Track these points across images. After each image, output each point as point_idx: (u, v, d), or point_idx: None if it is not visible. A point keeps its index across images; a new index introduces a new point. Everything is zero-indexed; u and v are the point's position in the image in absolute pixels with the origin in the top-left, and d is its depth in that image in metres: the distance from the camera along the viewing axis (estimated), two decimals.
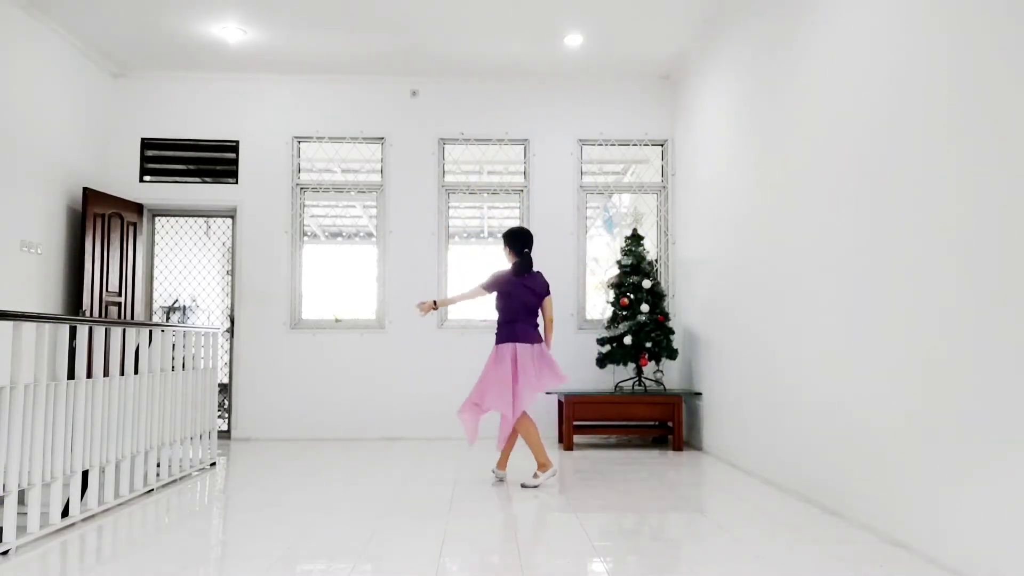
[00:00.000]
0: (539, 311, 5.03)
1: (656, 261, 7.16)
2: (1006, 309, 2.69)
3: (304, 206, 7.28)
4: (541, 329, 5.06)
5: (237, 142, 7.16)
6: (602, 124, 7.24)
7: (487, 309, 7.28)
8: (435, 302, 5.14)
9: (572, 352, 7.00)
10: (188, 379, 5.11)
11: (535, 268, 5.12)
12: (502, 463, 4.96)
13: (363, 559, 3.13)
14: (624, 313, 6.52)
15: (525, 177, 7.27)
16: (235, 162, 7.15)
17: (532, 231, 7.05)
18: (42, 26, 5.91)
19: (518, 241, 5.08)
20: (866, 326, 3.63)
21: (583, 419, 6.39)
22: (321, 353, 7.04)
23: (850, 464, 3.76)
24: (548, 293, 5.07)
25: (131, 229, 6.88)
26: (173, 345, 4.92)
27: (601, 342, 6.65)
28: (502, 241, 5.18)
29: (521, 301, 4.91)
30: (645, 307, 6.43)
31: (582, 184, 7.27)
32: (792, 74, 4.54)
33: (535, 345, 4.86)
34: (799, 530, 3.62)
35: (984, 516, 2.79)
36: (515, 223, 7.57)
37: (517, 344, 4.81)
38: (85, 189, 6.34)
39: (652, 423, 6.51)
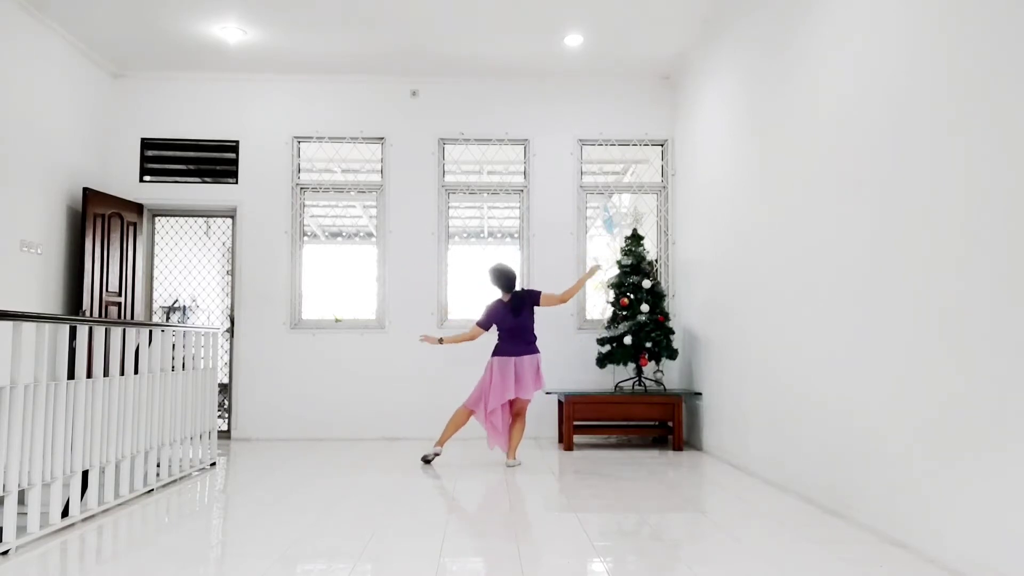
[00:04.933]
0: (533, 325, 5.64)
1: (656, 261, 7.16)
2: (1009, 310, 2.69)
3: (304, 206, 7.28)
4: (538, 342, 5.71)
5: (237, 142, 7.16)
6: (602, 124, 7.24)
7: None
8: (441, 339, 5.70)
9: (572, 352, 7.01)
10: (188, 379, 5.11)
11: (520, 285, 5.88)
12: (511, 453, 5.53)
13: (363, 559, 3.12)
14: (624, 313, 6.52)
15: (525, 177, 7.27)
16: (235, 162, 7.15)
17: (533, 231, 7.12)
18: (42, 26, 5.91)
19: (493, 281, 5.67)
20: (867, 326, 3.63)
21: (583, 419, 6.38)
22: (321, 353, 7.04)
23: (850, 464, 3.76)
24: (537, 299, 5.65)
25: (131, 229, 6.88)
26: (173, 345, 4.92)
27: (601, 342, 6.65)
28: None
29: (505, 326, 5.59)
30: (645, 307, 6.43)
31: (582, 184, 7.27)
32: (792, 74, 4.55)
33: (516, 358, 5.49)
34: (799, 530, 3.62)
35: (984, 516, 2.79)
36: (515, 223, 7.59)
37: (496, 358, 5.56)
38: (85, 189, 6.34)
39: (652, 423, 6.51)
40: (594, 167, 7.82)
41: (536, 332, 5.65)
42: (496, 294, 5.72)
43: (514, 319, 5.55)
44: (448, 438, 5.61)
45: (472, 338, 5.66)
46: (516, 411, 5.57)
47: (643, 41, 6.41)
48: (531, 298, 5.62)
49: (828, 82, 4.09)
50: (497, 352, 5.56)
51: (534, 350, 5.55)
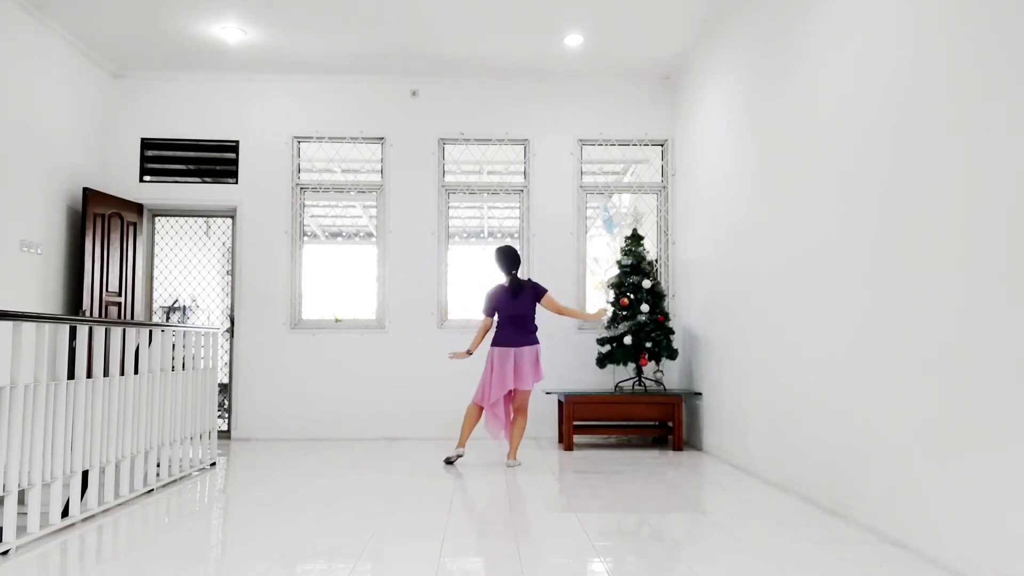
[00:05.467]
0: (533, 315, 5.61)
1: (656, 261, 7.16)
2: (1010, 310, 2.69)
3: (304, 206, 7.28)
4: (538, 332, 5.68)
5: (237, 142, 7.16)
6: (602, 124, 7.24)
7: None
8: (469, 351, 5.73)
9: (572, 352, 7.01)
10: (188, 379, 5.11)
11: (525, 276, 5.81)
12: (512, 453, 5.54)
13: (363, 559, 3.13)
14: (624, 313, 6.52)
15: (525, 177, 7.27)
16: (235, 162, 7.15)
17: (533, 231, 7.12)
18: (42, 26, 5.91)
19: (496, 260, 5.68)
20: (867, 326, 3.63)
21: (583, 419, 6.38)
22: (321, 353, 7.04)
23: (850, 464, 3.76)
24: (541, 295, 5.62)
25: (131, 229, 6.88)
26: (173, 345, 4.92)
27: (601, 342, 6.65)
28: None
29: (505, 313, 5.57)
30: (645, 307, 6.43)
31: (582, 184, 7.27)
32: (793, 73, 4.55)
33: (516, 349, 5.48)
34: (799, 530, 3.62)
35: (984, 516, 2.79)
36: (515, 223, 7.60)
37: (496, 348, 5.56)
38: (85, 189, 6.34)
39: (652, 423, 6.51)
40: (594, 167, 7.82)
41: (537, 323, 5.64)
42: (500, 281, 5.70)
43: (512, 305, 5.52)
44: (467, 437, 5.56)
45: (487, 328, 5.67)
46: (516, 406, 5.55)
47: (643, 41, 6.41)
48: (535, 290, 5.60)
49: (828, 82, 4.09)
50: (496, 342, 5.54)
51: (533, 340, 5.53)
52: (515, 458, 5.48)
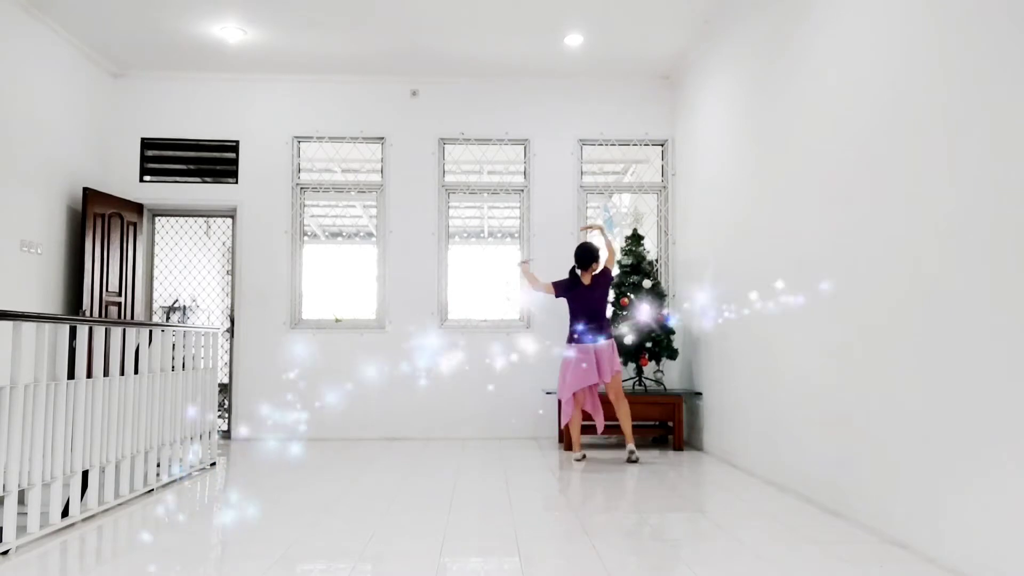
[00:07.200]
0: (603, 310, 5.67)
1: (656, 261, 7.16)
2: (1009, 310, 2.69)
3: (304, 206, 7.28)
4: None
5: (237, 142, 7.16)
6: (602, 124, 7.23)
7: (487, 310, 7.37)
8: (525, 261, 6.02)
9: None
10: (188, 379, 5.11)
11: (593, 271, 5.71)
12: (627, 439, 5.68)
13: (363, 559, 3.13)
14: (624, 313, 6.52)
15: (525, 177, 7.27)
16: (235, 162, 7.14)
17: (533, 231, 7.12)
18: (42, 26, 5.91)
19: (575, 256, 5.75)
20: (866, 326, 3.63)
21: (583, 419, 6.36)
22: (321, 353, 7.03)
23: (850, 464, 3.76)
24: (607, 280, 5.73)
25: (131, 229, 6.88)
26: (173, 345, 4.92)
27: None
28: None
29: (579, 306, 5.62)
30: (645, 307, 6.42)
31: (582, 184, 7.27)
32: (792, 74, 4.55)
33: (596, 345, 5.51)
34: (799, 530, 3.62)
35: (984, 516, 2.79)
36: (515, 223, 7.60)
37: (574, 345, 5.56)
38: (85, 189, 6.34)
39: (652, 423, 6.50)
40: (594, 167, 7.82)
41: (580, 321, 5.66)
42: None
43: (591, 299, 5.62)
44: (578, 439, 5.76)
45: (539, 287, 5.83)
46: (613, 397, 5.66)
47: (643, 41, 6.41)
48: (606, 280, 5.71)
49: (826, 83, 4.09)
50: (574, 339, 5.59)
51: (609, 335, 5.61)
52: (631, 442, 5.62)
